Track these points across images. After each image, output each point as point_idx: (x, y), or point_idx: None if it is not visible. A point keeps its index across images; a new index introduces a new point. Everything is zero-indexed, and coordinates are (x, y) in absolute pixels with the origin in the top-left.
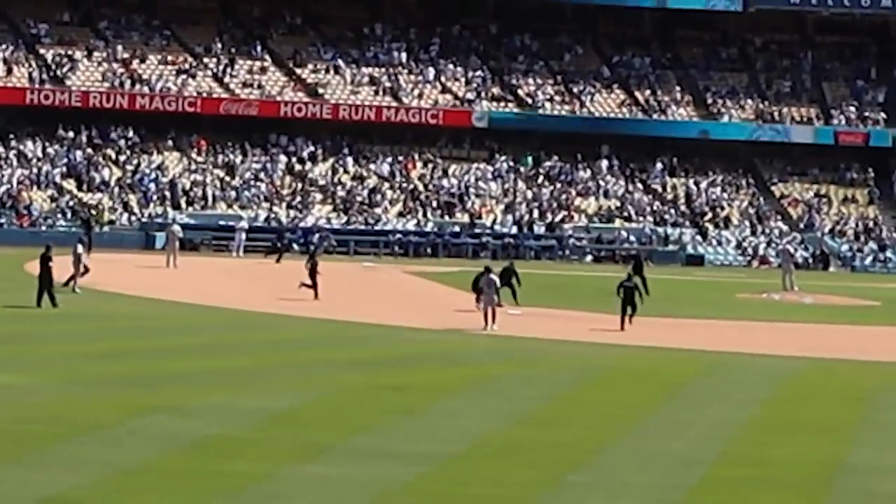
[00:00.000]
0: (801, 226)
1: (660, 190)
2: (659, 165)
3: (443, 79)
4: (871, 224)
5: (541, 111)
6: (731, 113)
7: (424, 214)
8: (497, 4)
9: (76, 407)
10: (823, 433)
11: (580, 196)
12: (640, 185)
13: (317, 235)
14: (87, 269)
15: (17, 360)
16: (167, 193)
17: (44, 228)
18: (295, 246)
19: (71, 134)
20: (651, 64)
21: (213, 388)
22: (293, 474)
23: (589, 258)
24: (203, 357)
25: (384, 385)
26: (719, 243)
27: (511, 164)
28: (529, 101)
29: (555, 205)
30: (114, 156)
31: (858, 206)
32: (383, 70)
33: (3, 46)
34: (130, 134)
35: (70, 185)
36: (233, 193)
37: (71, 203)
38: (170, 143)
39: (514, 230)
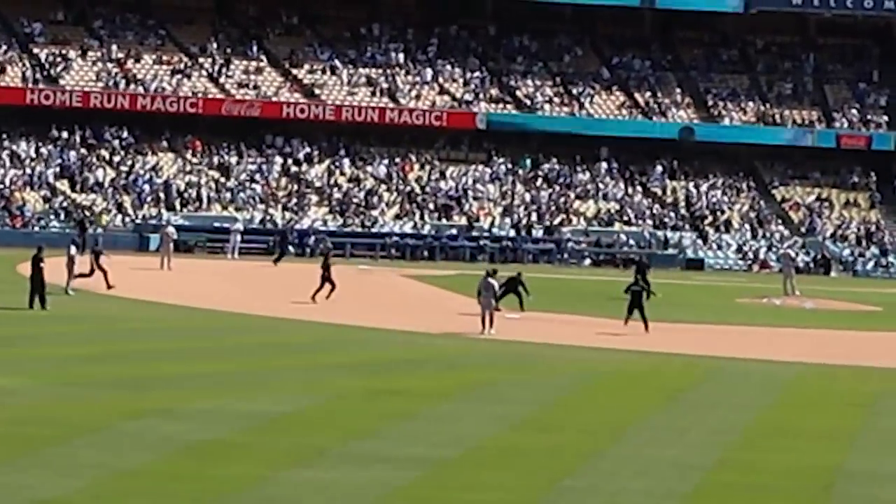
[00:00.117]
0: (803, 230)
1: (659, 193)
2: (659, 168)
3: (441, 80)
4: (873, 228)
5: (539, 113)
6: (731, 115)
7: (421, 217)
8: (496, 5)
9: (70, 409)
10: (823, 439)
11: (579, 199)
12: (639, 188)
13: (313, 238)
14: (91, 272)
15: (9, 362)
16: (161, 194)
17: (37, 229)
18: (291, 248)
19: (65, 134)
20: (651, 65)
21: (207, 391)
22: (289, 478)
23: (588, 262)
24: (197, 360)
25: (381, 389)
26: (719, 247)
27: (509, 166)
28: (528, 102)
29: (553, 208)
30: (108, 156)
31: (860, 211)
32: (380, 71)
33: None
34: (125, 134)
35: (63, 185)
36: (228, 195)
37: (64, 204)
38: (164, 143)
39: (512, 233)
